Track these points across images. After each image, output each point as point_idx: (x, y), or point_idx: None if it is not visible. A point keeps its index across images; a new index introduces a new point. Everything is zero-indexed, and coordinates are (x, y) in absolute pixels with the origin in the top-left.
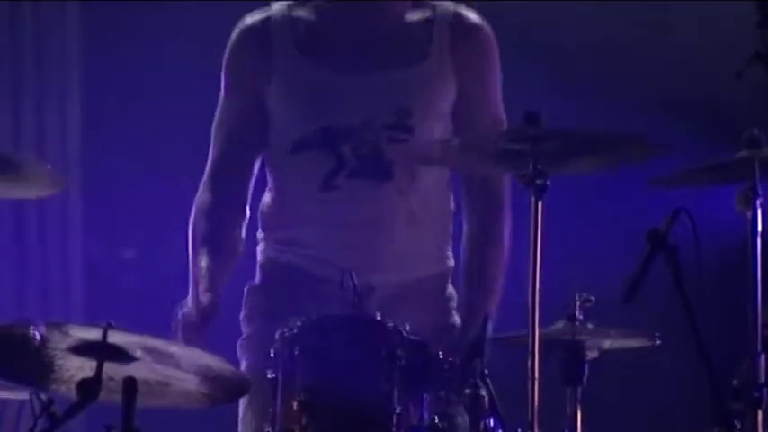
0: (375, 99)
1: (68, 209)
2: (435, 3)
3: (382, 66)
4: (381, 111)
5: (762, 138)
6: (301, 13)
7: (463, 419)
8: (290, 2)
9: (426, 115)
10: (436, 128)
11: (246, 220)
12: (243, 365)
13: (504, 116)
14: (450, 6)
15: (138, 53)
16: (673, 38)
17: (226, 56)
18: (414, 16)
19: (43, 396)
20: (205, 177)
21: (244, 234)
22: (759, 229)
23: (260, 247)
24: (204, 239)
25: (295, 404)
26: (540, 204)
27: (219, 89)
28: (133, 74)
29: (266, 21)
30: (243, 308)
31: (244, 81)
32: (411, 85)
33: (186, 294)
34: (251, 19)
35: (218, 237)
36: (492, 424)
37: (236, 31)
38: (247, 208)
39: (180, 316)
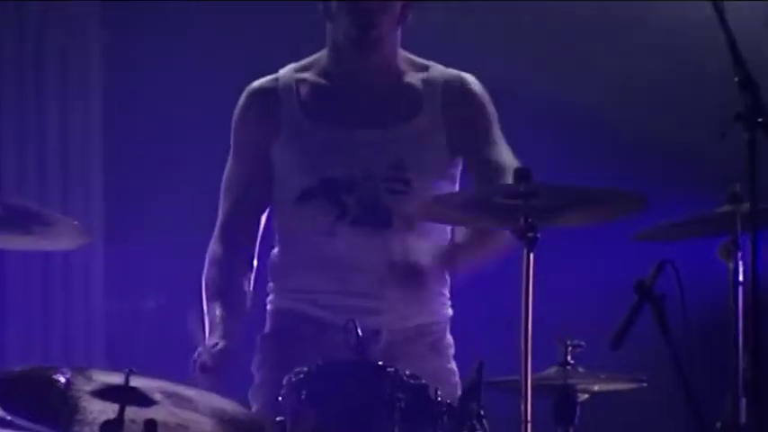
0: (374, 153)
1: (91, 260)
2: (430, 64)
3: (380, 123)
4: (380, 164)
5: (743, 194)
6: (307, 75)
7: None
8: (297, 65)
9: (422, 169)
10: (438, 182)
11: (254, 272)
12: (254, 410)
13: (508, 163)
14: (443, 68)
15: (161, 116)
16: (662, 98)
17: (234, 117)
18: (410, 77)
19: None
20: (216, 231)
21: (252, 285)
22: (740, 279)
23: (269, 298)
24: (216, 291)
25: None
26: (531, 256)
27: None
28: (155, 125)
29: (274, 83)
30: (255, 356)
31: (251, 141)
32: (405, 141)
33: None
34: (259, 83)
35: (228, 289)
36: None
37: (244, 94)
38: (255, 261)
39: (197, 361)
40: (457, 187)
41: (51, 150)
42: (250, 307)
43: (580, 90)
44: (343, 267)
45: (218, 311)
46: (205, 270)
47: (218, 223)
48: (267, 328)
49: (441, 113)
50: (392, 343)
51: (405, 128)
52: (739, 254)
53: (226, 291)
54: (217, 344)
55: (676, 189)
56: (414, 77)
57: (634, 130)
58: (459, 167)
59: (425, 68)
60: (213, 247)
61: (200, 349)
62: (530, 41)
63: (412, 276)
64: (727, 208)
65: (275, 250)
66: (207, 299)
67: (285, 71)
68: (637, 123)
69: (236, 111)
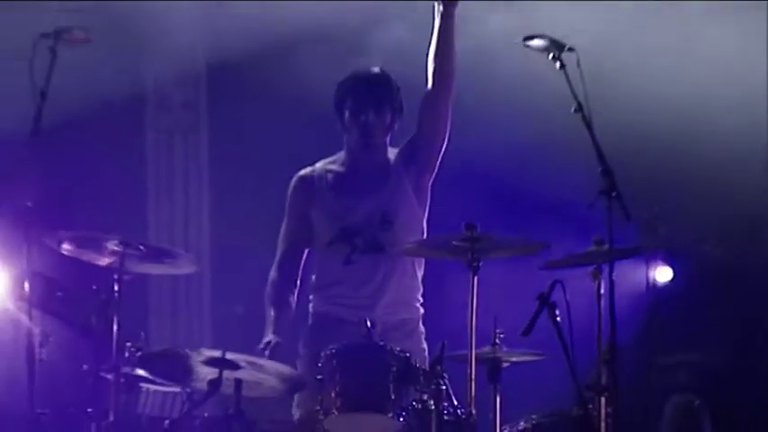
0: (369, 211)
1: (203, 280)
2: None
3: (372, 192)
4: (374, 214)
5: (604, 240)
6: (332, 167)
7: (431, 404)
8: (326, 160)
9: (398, 213)
10: (409, 217)
11: (297, 290)
12: (302, 371)
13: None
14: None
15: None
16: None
17: (288, 193)
18: (390, 154)
19: (188, 389)
20: (275, 264)
21: (296, 299)
22: (602, 291)
23: (311, 304)
24: (272, 303)
25: (333, 393)
26: (475, 279)
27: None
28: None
29: (312, 172)
30: (300, 339)
31: (297, 208)
32: (388, 197)
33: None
34: (303, 171)
35: (280, 302)
36: (449, 405)
37: (294, 178)
38: (299, 281)
39: (262, 345)
40: (428, 201)
41: (177, 204)
42: (294, 311)
43: (483, 152)
44: (355, 283)
45: (272, 315)
46: (267, 288)
47: (276, 258)
48: (309, 322)
49: (405, 174)
50: (385, 330)
51: (385, 190)
52: (601, 276)
53: (278, 304)
54: (270, 341)
55: (562, 237)
56: (391, 153)
57: (534, 192)
58: (425, 192)
59: (393, 150)
60: (272, 273)
61: (263, 341)
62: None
63: (397, 286)
64: (594, 248)
65: (313, 276)
66: (267, 306)
67: (319, 164)
68: (533, 186)
69: (289, 189)
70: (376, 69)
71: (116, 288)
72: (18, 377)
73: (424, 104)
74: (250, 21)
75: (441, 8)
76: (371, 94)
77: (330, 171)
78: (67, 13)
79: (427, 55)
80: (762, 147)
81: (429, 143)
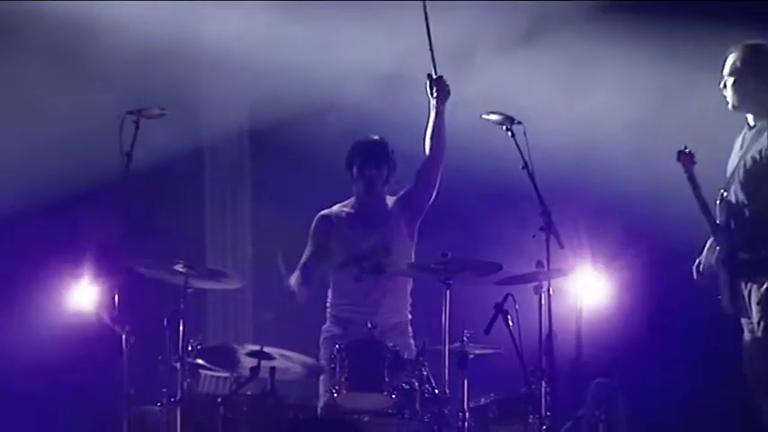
0: (374, 242)
1: (245, 294)
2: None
3: (377, 227)
4: (377, 245)
5: (544, 262)
6: (345, 209)
7: (416, 385)
8: (341, 204)
9: (395, 245)
10: (403, 247)
11: (310, 289)
12: (321, 362)
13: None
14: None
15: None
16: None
17: (312, 227)
18: (388, 201)
19: (235, 374)
20: (299, 266)
21: (308, 293)
22: (543, 303)
23: (328, 310)
24: (295, 282)
25: (343, 377)
26: (448, 293)
27: None
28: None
29: (330, 211)
30: (320, 339)
31: (318, 239)
32: (388, 232)
33: None
34: (324, 211)
35: (302, 267)
36: (430, 389)
37: (316, 216)
38: (311, 282)
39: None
40: (416, 236)
41: (227, 237)
42: (307, 300)
43: (457, 200)
44: (361, 295)
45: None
46: (292, 278)
47: (300, 264)
48: (326, 326)
49: (400, 216)
50: (383, 331)
51: (386, 227)
52: (542, 291)
53: (299, 286)
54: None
55: (514, 261)
56: (389, 201)
57: (493, 228)
58: (415, 230)
59: (391, 198)
60: (296, 272)
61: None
62: None
63: (393, 297)
64: (537, 269)
65: (330, 291)
66: (294, 277)
67: (336, 207)
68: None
69: (313, 223)
70: (376, 137)
71: (182, 299)
72: (106, 367)
73: (421, 169)
74: (284, 92)
75: (434, 103)
76: (373, 155)
77: (344, 212)
78: (140, 92)
79: (425, 131)
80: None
81: (420, 197)
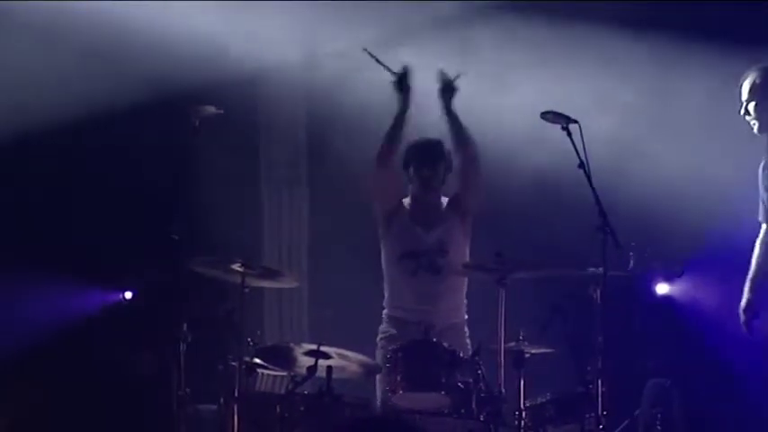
0: (431, 239)
1: (302, 292)
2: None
3: (433, 225)
4: (435, 243)
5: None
6: (406, 203)
7: (471, 385)
8: (405, 198)
9: (452, 244)
10: (458, 248)
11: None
12: (378, 360)
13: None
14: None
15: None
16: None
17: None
18: (443, 201)
19: (292, 373)
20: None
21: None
22: (598, 302)
23: (384, 311)
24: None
25: (399, 377)
26: (503, 292)
27: None
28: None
29: (400, 202)
30: (378, 340)
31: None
32: (443, 233)
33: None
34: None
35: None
36: (484, 386)
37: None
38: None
39: None
40: (469, 236)
41: (284, 236)
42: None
43: (511, 200)
44: (418, 293)
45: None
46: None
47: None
48: (382, 326)
49: (457, 216)
50: (440, 332)
51: (442, 227)
52: (598, 291)
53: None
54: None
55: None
56: (443, 201)
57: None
58: (468, 229)
59: (444, 198)
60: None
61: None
62: None
63: (449, 298)
64: (592, 270)
65: (386, 290)
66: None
67: (406, 199)
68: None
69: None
70: (432, 137)
71: (240, 298)
72: (163, 367)
73: (460, 171)
74: (336, 96)
75: (442, 103)
76: (429, 155)
77: (406, 205)
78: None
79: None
80: None
81: (466, 198)
